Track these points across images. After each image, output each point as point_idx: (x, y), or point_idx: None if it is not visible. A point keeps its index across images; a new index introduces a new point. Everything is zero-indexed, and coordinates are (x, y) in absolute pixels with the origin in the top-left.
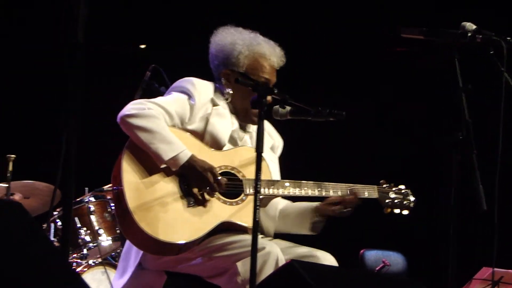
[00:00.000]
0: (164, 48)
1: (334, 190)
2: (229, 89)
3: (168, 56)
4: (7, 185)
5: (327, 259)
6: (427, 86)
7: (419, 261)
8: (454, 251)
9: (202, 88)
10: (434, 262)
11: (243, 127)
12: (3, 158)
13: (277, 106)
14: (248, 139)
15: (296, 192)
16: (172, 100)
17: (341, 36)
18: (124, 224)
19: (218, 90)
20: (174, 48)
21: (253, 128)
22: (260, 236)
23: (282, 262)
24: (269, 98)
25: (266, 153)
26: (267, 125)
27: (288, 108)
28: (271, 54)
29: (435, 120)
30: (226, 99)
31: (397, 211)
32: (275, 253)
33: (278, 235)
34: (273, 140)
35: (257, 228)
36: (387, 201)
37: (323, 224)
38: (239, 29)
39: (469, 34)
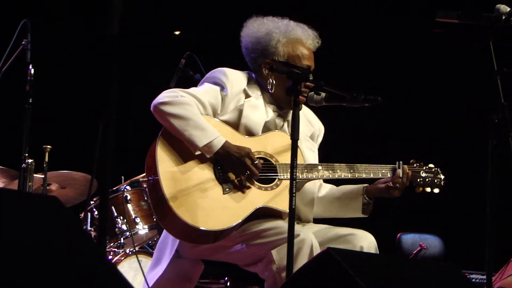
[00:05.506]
0: (198, 35)
1: (366, 172)
2: (271, 79)
3: (203, 43)
4: (43, 175)
5: (366, 238)
6: (463, 69)
7: (456, 244)
8: (492, 233)
9: (235, 79)
10: (471, 244)
11: (282, 116)
12: (39, 149)
13: (312, 93)
14: (286, 127)
15: (330, 175)
16: (205, 91)
17: (374, 19)
18: (160, 214)
19: (253, 80)
20: (209, 35)
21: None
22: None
23: (316, 249)
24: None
25: (302, 140)
26: (308, 112)
27: (323, 94)
28: (307, 37)
29: (470, 103)
30: (270, 89)
31: (428, 189)
32: (309, 240)
33: (318, 220)
34: (314, 128)
35: (293, 216)
36: (418, 180)
37: (372, 206)
38: (269, 18)
39: (504, 17)
